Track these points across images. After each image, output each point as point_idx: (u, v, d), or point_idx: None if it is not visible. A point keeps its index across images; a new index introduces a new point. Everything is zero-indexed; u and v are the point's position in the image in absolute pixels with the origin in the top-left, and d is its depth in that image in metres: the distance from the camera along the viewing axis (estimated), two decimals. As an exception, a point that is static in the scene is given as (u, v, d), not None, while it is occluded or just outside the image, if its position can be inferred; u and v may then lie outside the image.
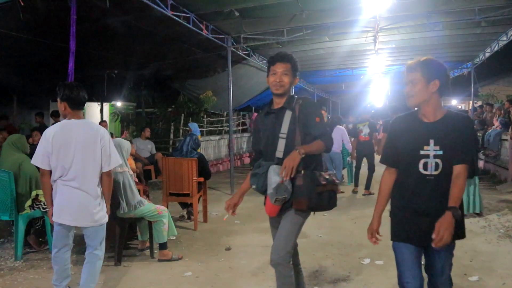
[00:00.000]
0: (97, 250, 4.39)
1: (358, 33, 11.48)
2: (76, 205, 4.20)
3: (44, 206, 6.22)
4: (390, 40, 12.75)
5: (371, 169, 11.12)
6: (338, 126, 11.48)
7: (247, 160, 18.81)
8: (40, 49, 10.38)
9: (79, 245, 5.70)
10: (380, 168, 10.85)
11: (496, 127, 13.83)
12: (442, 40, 13.12)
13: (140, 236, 6.46)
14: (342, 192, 11.04)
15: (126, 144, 6.02)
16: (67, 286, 4.48)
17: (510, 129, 12.06)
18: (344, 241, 6.88)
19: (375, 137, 11.52)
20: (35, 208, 6.20)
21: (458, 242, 6.50)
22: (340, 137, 11.23)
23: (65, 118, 4.31)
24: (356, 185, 11.34)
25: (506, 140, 12.59)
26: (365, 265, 5.73)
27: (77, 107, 4.28)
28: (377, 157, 11.41)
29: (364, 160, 11.22)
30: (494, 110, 15.52)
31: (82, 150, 4.20)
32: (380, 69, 18.06)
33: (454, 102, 28.67)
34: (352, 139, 11.62)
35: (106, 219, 4.43)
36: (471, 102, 19.22)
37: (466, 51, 14.99)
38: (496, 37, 12.70)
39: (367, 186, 11.09)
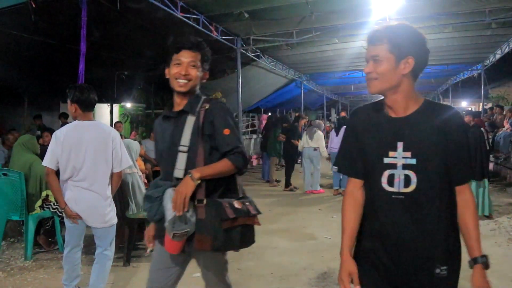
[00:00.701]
0: (107, 250, 4.43)
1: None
2: (86, 206, 4.23)
3: (54, 207, 6.26)
4: (400, 42, 12.69)
5: None
6: (345, 127, 11.46)
7: (254, 162, 18.75)
8: (51, 51, 10.44)
9: (89, 246, 5.72)
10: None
11: (507, 129, 13.76)
12: (452, 42, 13.06)
13: (149, 237, 6.48)
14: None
15: (135, 145, 6.05)
16: (76, 286, 4.51)
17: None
18: (352, 243, 6.85)
19: None
20: (45, 209, 6.24)
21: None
22: None
23: (75, 120, 4.34)
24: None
25: (517, 142, 12.54)
26: (374, 267, 5.71)
27: (87, 108, 4.32)
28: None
29: None
30: (504, 112, 15.44)
31: (94, 151, 4.23)
32: (389, 71, 17.97)
33: (464, 104, 28.59)
34: None
35: (116, 219, 4.46)
36: (481, 104, 19.10)
37: (476, 53, 14.91)
38: (507, 38, 12.64)
39: None
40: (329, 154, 11.60)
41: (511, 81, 23.71)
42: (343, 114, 14.10)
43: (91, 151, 4.23)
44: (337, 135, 11.36)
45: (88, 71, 7.42)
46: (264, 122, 18.51)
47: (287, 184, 12.19)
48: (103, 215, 4.29)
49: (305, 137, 11.74)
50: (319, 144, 11.46)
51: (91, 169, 4.23)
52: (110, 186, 4.39)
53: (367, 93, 27.03)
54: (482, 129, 8.56)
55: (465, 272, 2.28)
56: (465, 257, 2.28)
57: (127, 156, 4.49)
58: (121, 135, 10.26)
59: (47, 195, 6.22)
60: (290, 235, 7.35)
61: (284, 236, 7.25)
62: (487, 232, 7.37)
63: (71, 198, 4.23)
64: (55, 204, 6.29)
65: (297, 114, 13.96)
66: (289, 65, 16.74)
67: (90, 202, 4.24)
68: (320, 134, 11.57)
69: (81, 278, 4.59)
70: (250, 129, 21.29)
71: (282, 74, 17.44)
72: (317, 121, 12.70)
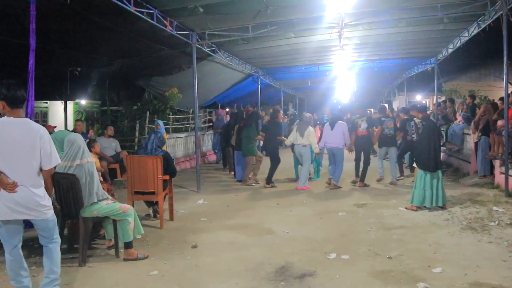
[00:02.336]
0: (53, 239, 4.48)
1: (323, 29, 11.51)
2: (21, 198, 4.20)
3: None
4: (355, 36, 12.83)
5: (367, 162, 11.53)
6: (340, 121, 11.72)
7: (212, 158, 18.61)
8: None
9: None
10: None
11: (459, 122, 14.09)
12: (406, 36, 13.27)
13: (107, 235, 6.36)
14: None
15: (78, 138, 5.86)
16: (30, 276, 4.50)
17: (472, 124, 12.31)
18: (310, 236, 6.91)
19: (373, 131, 11.70)
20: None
21: (422, 235, 6.65)
22: (342, 132, 11.46)
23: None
24: (357, 175, 11.77)
25: (469, 134, 12.85)
26: (331, 260, 5.76)
27: (15, 105, 4.25)
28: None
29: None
30: (456, 106, 15.81)
31: (21, 148, 4.20)
32: (345, 65, 18.17)
33: (419, 97, 29.15)
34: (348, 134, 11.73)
35: (52, 210, 4.44)
36: (434, 97, 19.52)
37: (430, 47, 15.19)
38: (458, 33, 12.91)
39: (362, 179, 11.48)
40: (320, 149, 11.69)
41: (463, 75, 24.37)
42: (328, 111, 14.15)
43: (18, 148, 4.19)
44: (332, 129, 11.50)
45: (39, 67, 7.22)
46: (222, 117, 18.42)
47: (269, 181, 11.76)
48: (39, 206, 4.26)
49: (295, 133, 11.52)
50: (310, 140, 11.30)
51: (19, 165, 4.20)
52: (42, 180, 4.37)
53: (323, 87, 27.27)
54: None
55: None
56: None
57: (56, 153, 4.41)
58: (83, 134, 10.06)
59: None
60: (248, 230, 7.34)
61: (242, 232, 7.24)
62: (441, 222, 7.54)
63: (4, 194, 4.15)
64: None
65: (271, 110, 13.49)
66: (246, 60, 16.70)
67: (23, 196, 4.20)
68: (311, 130, 11.44)
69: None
70: (207, 124, 21.13)
71: (238, 69, 17.39)
72: (307, 114, 12.22)
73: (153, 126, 13.91)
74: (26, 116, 7.39)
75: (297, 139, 11.41)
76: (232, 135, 13.37)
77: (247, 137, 12.00)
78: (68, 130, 11.63)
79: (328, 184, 11.54)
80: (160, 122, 12.48)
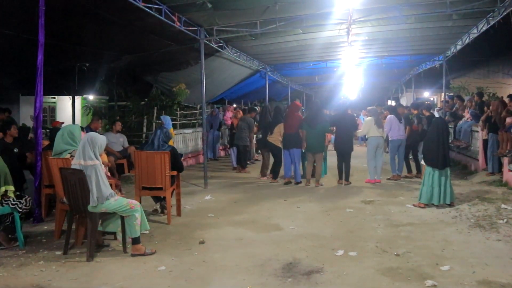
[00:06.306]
0: None
1: (332, 25, 11.47)
2: None
3: (14, 202, 6.11)
4: (363, 32, 12.78)
5: (416, 156, 12.23)
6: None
7: (217, 154, 18.56)
8: (7, 42, 10.17)
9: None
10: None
11: (467, 119, 14.02)
12: (415, 33, 13.22)
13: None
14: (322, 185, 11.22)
15: (99, 139, 5.86)
16: None
17: (480, 121, 12.26)
18: (317, 233, 6.90)
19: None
20: (4, 204, 6.07)
21: (430, 232, 6.63)
22: (404, 125, 11.80)
23: None
24: (410, 170, 12.24)
25: (477, 131, 12.80)
26: (339, 257, 5.75)
27: None
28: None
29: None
30: (465, 103, 15.71)
31: None
32: (353, 61, 18.10)
33: (427, 94, 29.04)
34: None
35: None
36: (443, 94, 19.43)
37: (438, 43, 15.12)
38: (467, 30, 12.83)
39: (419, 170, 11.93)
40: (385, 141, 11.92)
41: (471, 72, 24.24)
42: (390, 103, 14.21)
43: None
44: (400, 122, 11.64)
45: (47, 62, 7.24)
46: (229, 113, 18.37)
47: (348, 178, 11.38)
48: None
49: (373, 125, 11.41)
50: (385, 132, 11.58)
51: None
52: None
53: (331, 84, 27.20)
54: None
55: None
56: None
57: None
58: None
59: (6, 191, 6.05)
60: (255, 226, 7.34)
61: (250, 228, 7.24)
62: (449, 220, 7.51)
63: None
64: (15, 199, 6.13)
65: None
66: (253, 56, 16.67)
67: None
68: (384, 121, 11.68)
69: None
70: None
71: (246, 65, 17.37)
72: (375, 107, 12.18)
73: (160, 121, 13.91)
74: (35, 111, 7.42)
75: (376, 131, 11.42)
76: (270, 132, 12.00)
77: (320, 134, 11.23)
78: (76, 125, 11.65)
79: (395, 179, 11.74)
80: (163, 119, 12.39)
